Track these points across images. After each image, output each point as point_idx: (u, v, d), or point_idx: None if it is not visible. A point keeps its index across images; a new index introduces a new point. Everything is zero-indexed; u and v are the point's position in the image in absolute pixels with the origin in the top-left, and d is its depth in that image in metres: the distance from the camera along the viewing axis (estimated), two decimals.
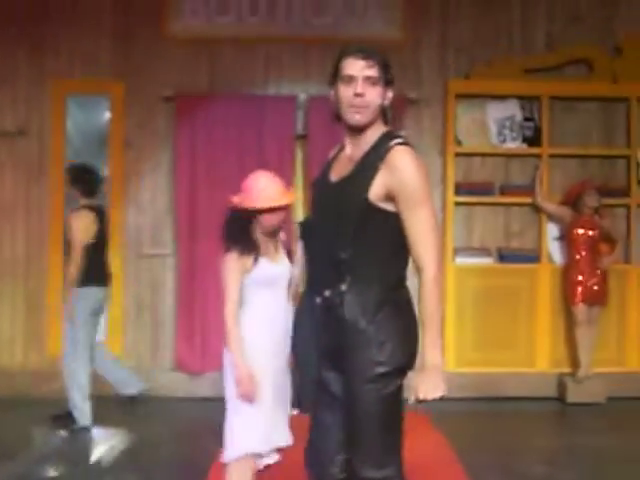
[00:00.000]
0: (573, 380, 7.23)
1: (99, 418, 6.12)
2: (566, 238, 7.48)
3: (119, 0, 7.50)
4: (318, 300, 2.94)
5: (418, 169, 2.80)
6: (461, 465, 5.19)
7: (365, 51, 2.86)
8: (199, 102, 7.35)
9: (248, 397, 3.64)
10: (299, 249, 3.90)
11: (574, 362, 7.34)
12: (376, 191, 2.80)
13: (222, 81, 7.50)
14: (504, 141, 7.64)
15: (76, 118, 7.98)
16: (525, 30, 7.70)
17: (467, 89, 7.57)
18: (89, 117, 8.39)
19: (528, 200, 7.56)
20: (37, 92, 7.43)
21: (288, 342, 3.65)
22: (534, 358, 7.47)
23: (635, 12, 7.72)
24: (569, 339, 7.42)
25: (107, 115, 7.73)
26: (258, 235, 3.77)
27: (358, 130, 2.91)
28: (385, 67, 2.89)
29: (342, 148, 3.05)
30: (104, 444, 5.77)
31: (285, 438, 3.82)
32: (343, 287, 2.85)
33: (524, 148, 7.66)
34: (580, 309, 7.21)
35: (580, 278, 7.24)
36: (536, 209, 7.59)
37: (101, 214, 6.30)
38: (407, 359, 2.88)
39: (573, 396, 7.17)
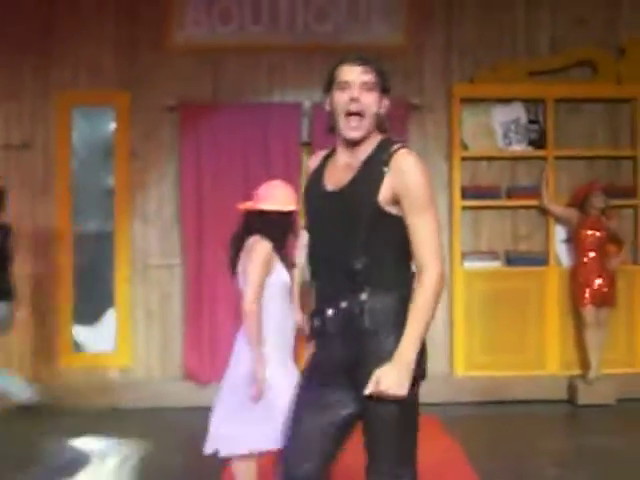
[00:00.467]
0: (583, 382, 7.21)
1: (110, 429, 6.12)
2: (573, 240, 7.46)
3: (123, 11, 7.52)
4: (330, 312, 2.84)
5: (423, 172, 2.79)
6: (472, 469, 5.19)
7: (362, 58, 2.84)
8: (204, 111, 7.36)
9: (260, 395, 3.71)
10: (301, 253, 3.98)
11: (584, 364, 7.32)
12: (384, 195, 2.77)
13: (226, 90, 7.52)
14: (510, 144, 7.63)
15: (81, 129, 7.99)
16: (529, 33, 7.70)
17: (472, 93, 7.57)
18: (94, 128, 8.39)
19: (535, 203, 7.54)
20: (42, 104, 7.44)
21: (292, 341, 3.80)
22: (544, 361, 7.45)
23: (639, 14, 7.71)
24: (578, 341, 7.40)
25: (112, 126, 7.74)
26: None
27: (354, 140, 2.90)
28: (382, 74, 2.86)
29: (328, 156, 3.04)
30: (114, 455, 5.77)
31: None
32: (363, 296, 2.78)
33: (530, 151, 7.65)
34: (589, 311, 7.19)
35: (588, 280, 7.23)
36: (543, 212, 7.58)
37: (4, 230, 6.25)
38: (422, 367, 2.82)
39: (584, 398, 7.14)
